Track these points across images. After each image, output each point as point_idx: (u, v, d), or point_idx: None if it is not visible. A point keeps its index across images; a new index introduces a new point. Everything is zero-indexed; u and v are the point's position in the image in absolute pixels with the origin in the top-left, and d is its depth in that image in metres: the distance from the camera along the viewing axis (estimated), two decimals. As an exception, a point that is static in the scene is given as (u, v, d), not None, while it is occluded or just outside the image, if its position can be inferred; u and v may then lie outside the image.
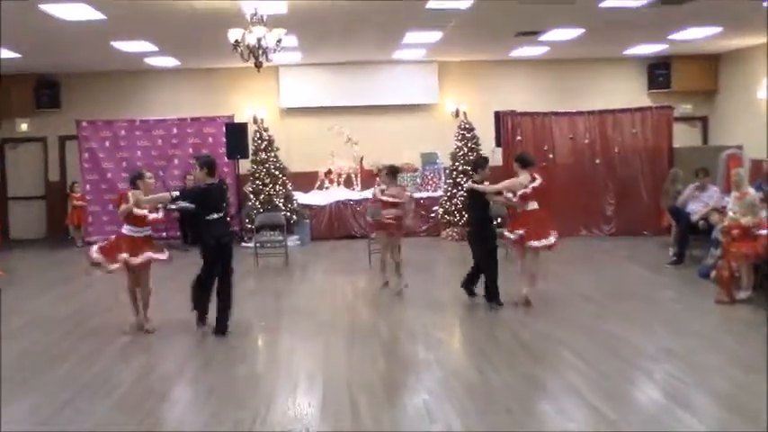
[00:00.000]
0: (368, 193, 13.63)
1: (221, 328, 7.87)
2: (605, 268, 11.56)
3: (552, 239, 8.88)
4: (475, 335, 7.80)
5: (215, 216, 8.02)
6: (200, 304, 8.05)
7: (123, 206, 8.09)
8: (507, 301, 8.89)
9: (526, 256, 8.99)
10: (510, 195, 8.96)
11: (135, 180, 8.35)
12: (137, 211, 8.07)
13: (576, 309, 8.65)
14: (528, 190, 8.87)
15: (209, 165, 8.11)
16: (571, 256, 12.65)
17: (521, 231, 8.80)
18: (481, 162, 9.36)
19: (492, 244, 8.91)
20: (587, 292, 9.51)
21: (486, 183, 9.06)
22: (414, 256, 12.85)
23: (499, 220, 9.68)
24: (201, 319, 8.08)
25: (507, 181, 9.12)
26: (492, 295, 8.82)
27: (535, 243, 8.82)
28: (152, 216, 8.23)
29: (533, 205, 8.96)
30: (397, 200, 10.04)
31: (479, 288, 9.05)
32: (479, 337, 7.62)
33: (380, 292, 10.13)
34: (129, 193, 8.15)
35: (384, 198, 10.08)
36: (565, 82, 17.82)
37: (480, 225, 8.90)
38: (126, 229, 8.17)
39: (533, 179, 8.91)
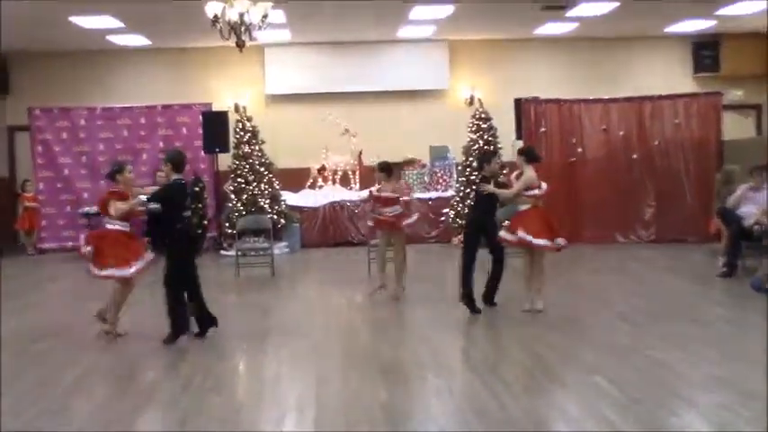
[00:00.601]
0: (365, 194, 13.72)
1: (204, 331, 8.49)
2: (643, 281, 11.56)
3: (561, 241, 9.36)
4: (491, 356, 7.79)
5: (181, 215, 8.50)
6: (179, 317, 8.37)
7: (120, 204, 8.56)
8: (523, 316, 8.90)
9: (531, 259, 9.45)
10: (529, 193, 9.41)
11: (114, 174, 8.74)
12: (120, 205, 8.59)
13: (609, 328, 8.63)
14: (542, 192, 9.41)
15: (173, 160, 8.51)
16: (603, 267, 12.68)
17: (522, 233, 9.19)
18: (487, 156, 9.75)
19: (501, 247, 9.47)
20: (622, 309, 9.49)
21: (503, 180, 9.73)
22: (421, 266, 12.88)
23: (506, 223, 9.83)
24: (181, 333, 8.39)
25: (522, 181, 9.41)
26: (489, 293, 9.47)
27: (541, 242, 9.20)
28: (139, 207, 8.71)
29: (527, 205, 9.42)
30: (395, 195, 10.46)
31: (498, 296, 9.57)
32: (496, 359, 7.61)
33: (376, 297, 10.28)
34: (112, 199, 8.66)
35: (381, 195, 10.52)
36: (596, 64, 17.88)
37: (483, 221, 9.38)
38: (113, 225, 8.65)
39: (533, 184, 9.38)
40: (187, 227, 8.70)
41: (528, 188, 9.39)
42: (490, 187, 9.26)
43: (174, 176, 8.49)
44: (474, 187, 10.56)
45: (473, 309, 9.29)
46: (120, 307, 8.77)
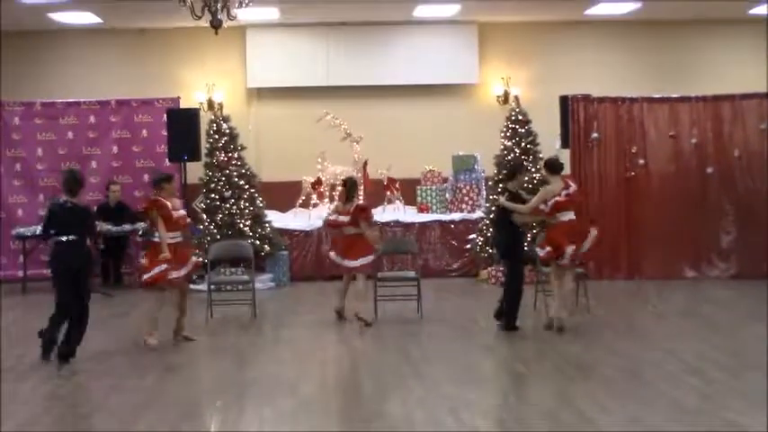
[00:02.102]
0: (378, 213, 14.03)
1: (69, 351, 9.86)
2: (719, 327, 11.59)
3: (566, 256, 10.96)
4: (527, 419, 7.85)
5: (64, 239, 9.87)
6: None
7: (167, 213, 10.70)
8: (566, 367, 8.96)
9: (562, 276, 11.08)
10: (542, 207, 11.04)
11: (161, 182, 10.92)
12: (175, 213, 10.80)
13: (675, 383, 8.70)
14: (561, 198, 10.90)
15: (65, 179, 10.23)
16: (669, 309, 12.71)
17: (549, 248, 10.99)
18: (519, 167, 11.43)
19: (520, 264, 11.32)
20: (691, 361, 9.56)
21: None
22: (440, 306, 12.95)
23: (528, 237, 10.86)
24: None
25: (538, 195, 11.11)
26: (506, 316, 11.15)
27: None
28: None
29: (569, 215, 11.01)
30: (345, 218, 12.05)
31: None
32: (534, 424, 7.67)
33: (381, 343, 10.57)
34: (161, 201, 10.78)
35: (334, 219, 12.38)
36: (663, 54, 17.99)
37: (511, 240, 11.18)
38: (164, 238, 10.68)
39: (566, 186, 11.04)
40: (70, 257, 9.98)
41: (545, 202, 10.96)
42: (509, 204, 10.75)
43: (64, 198, 10.12)
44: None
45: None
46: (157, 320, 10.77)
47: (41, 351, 9.91)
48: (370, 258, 12.02)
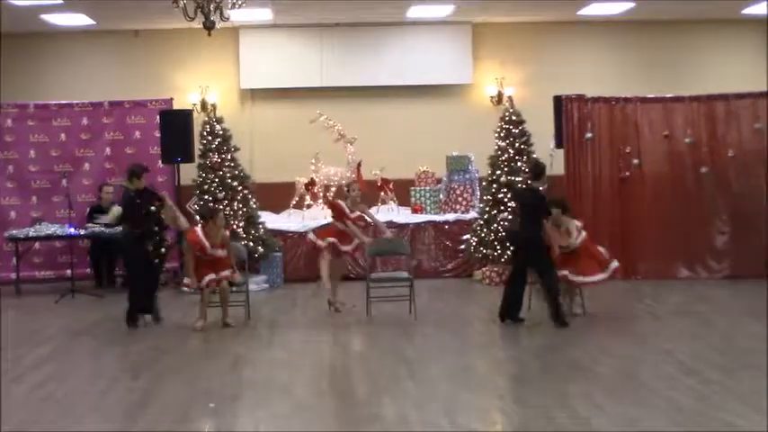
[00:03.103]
0: (372, 214, 14.27)
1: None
2: (714, 327, 11.61)
3: (600, 276, 11.98)
4: (524, 420, 7.83)
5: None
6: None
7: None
8: (562, 368, 8.96)
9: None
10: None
11: (211, 215, 12.42)
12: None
13: (671, 384, 8.69)
14: (578, 243, 11.95)
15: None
16: (664, 309, 12.72)
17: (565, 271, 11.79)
18: (543, 167, 11.94)
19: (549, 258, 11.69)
20: (687, 361, 9.56)
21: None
22: (434, 307, 12.94)
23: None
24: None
25: (558, 237, 11.89)
26: (559, 314, 11.36)
27: (579, 279, 11.83)
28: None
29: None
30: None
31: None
32: (532, 425, 7.66)
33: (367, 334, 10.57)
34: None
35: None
36: (657, 54, 18.02)
37: (538, 233, 11.59)
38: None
39: (578, 231, 12.09)
40: None
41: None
42: (551, 220, 11.84)
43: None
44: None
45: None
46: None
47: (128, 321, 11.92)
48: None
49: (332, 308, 13.00)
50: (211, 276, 12.01)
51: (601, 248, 12.32)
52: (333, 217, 13.25)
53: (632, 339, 10.83)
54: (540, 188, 11.96)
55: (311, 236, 13.36)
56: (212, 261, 12.08)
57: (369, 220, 13.50)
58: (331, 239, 12.92)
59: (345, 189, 13.67)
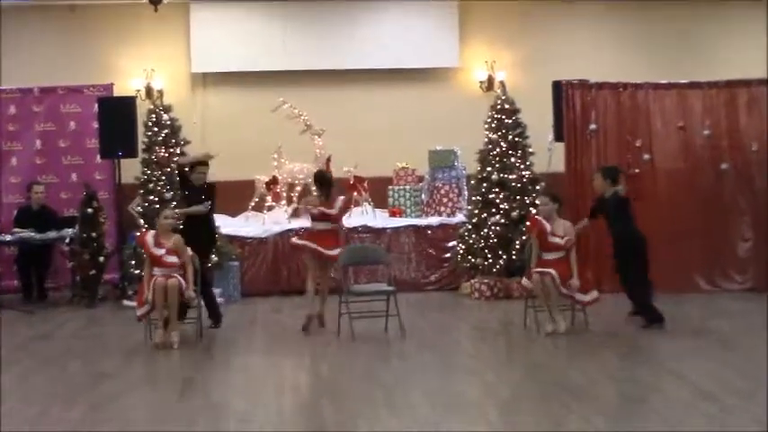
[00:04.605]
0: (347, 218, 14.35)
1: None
2: (735, 346, 11.66)
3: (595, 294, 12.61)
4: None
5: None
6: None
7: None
8: (562, 387, 9.05)
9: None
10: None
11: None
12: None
13: (686, 410, 8.75)
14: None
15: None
16: (679, 325, 12.76)
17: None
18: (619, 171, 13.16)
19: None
20: (704, 384, 9.60)
21: None
22: (416, 324, 12.97)
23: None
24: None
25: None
26: (654, 314, 12.44)
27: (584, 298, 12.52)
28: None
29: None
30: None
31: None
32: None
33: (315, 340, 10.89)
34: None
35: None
36: (670, 34, 18.13)
37: (631, 235, 12.67)
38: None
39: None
40: None
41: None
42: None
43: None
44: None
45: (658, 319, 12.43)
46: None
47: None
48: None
49: (310, 324, 12.96)
50: (161, 273, 12.03)
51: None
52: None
53: (640, 360, 10.93)
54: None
55: (294, 239, 13.61)
56: (158, 266, 12.13)
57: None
58: (311, 245, 13.02)
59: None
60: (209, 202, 13.04)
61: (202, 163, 13.20)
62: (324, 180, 13.12)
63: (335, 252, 12.85)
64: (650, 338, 12.04)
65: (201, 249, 12.87)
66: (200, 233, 12.94)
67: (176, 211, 13.01)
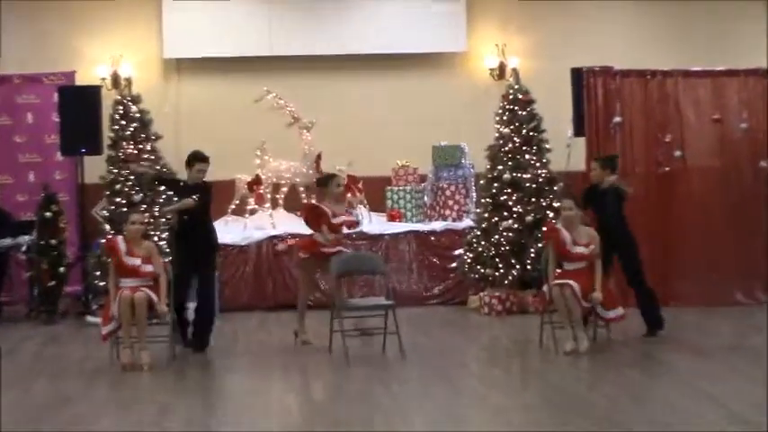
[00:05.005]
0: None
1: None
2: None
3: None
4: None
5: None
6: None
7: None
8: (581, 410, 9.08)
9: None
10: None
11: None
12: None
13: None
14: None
15: None
16: (713, 343, 12.75)
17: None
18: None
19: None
20: (735, 408, 9.63)
21: None
22: (418, 343, 12.98)
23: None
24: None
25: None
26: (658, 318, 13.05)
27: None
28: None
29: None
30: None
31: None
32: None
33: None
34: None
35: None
36: (702, 15, 18.12)
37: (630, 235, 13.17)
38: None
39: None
40: None
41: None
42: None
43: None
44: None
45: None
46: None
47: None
48: None
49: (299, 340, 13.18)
50: (129, 284, 12.00)
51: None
52: (308, 223, 13.41)
53: (668, 381, 10.92)
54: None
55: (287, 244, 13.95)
56: (132, 276, 12.13)
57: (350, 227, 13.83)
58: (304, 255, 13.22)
59: (322, 184, 13.67)
60: (197, 195, 12.86)
61: (203, 159, 13.15)
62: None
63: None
64: (681, 357, 12.06)
65: (202, 256, 13.00)
66: (197, 237, 12.91)
67: (165, 209, 13.36)
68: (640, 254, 13.23)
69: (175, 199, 13.31)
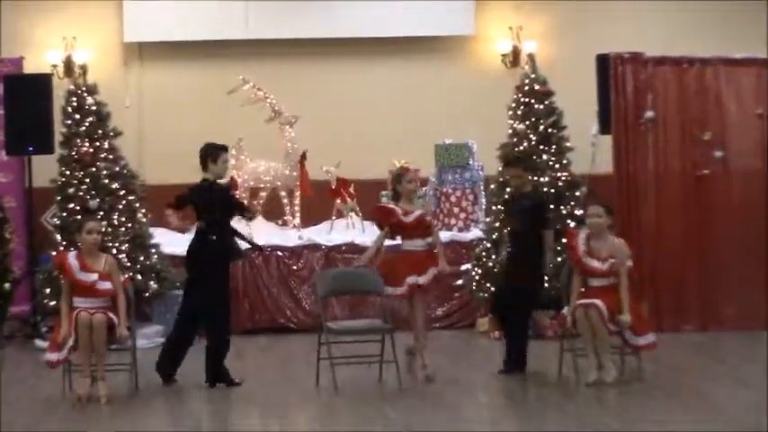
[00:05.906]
0: (323, 232, 14.41)
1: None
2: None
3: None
4: None
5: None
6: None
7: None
8: None
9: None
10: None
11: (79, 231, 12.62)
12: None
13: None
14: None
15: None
16: (755, 369, 12.88)
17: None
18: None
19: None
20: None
21: None
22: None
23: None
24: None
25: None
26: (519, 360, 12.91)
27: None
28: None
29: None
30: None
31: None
32: None
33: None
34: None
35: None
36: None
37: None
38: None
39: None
40: None
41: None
42: None
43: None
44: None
45: None
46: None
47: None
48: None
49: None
50: (84, 305, 11.99)
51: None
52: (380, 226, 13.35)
53: (705, 415, 10.95)
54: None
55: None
56: (88, 295, 12.15)
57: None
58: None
59: (390, 182, 13.89)
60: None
61: (225, 148, 13.12)
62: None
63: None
64: (718, 389, 12.13)
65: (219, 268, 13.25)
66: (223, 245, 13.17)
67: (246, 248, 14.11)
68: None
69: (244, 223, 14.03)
